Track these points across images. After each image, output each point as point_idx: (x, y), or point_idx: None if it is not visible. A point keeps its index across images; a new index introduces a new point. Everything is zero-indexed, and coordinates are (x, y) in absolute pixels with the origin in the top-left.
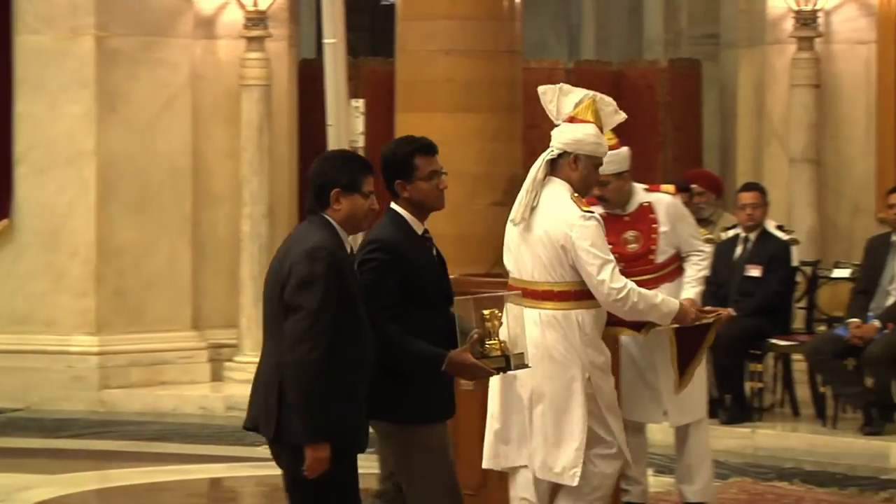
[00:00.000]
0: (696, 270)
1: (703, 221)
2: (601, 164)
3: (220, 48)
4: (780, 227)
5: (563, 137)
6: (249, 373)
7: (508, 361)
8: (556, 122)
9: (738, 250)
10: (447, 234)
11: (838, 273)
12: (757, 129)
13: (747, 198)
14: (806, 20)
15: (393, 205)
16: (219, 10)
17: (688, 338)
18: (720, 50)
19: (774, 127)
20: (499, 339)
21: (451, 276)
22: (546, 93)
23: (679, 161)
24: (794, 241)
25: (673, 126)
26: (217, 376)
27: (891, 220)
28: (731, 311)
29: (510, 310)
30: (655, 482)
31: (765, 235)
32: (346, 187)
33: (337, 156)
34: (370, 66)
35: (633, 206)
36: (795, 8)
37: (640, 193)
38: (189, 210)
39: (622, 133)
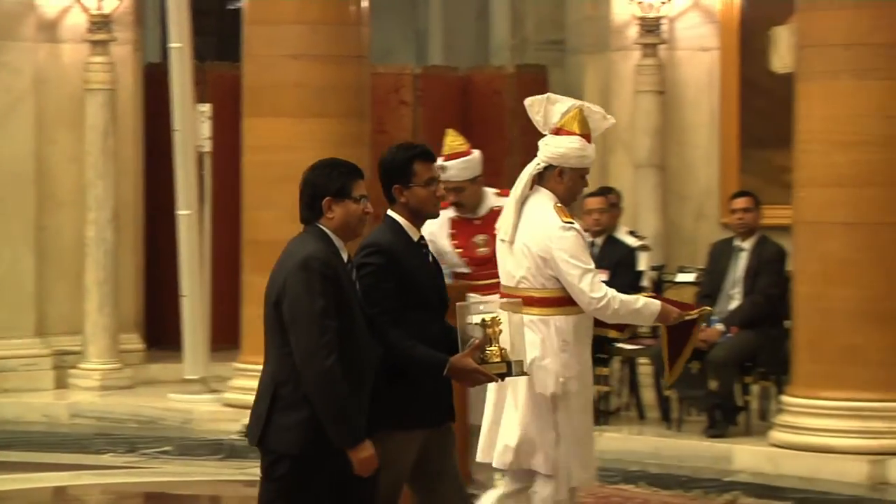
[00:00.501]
0: None
1: None
2: (588, 173)
3: (63, 52)
4: (631, 233)
5: (547, 151)
6: (94, 380)
7: (510, 367)
8: (542, 133)
9: None
10: None
11: (682, 277)
12: (602, 134)
13: (593, 203)
14: (650, 27)
15: (390, 211)
16: (62, 14)
17: (677, 333)
18: (566, 56)
19: (619, 132)
20: (499, 346)
21: None
22: (532, 105)
23: (525, 167)
24: (645, 248)
25: (520, 131)
26: (61, 383)
27: (734, 224)
28: (710, 309)
29: (510, 317)
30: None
31: (612, 241)
32: (337, 194)
33: (324, 164)
34: (217, 71)
35: (483, 210)
36: (640, 15)
37: (492, 198)
38: (33, 215)
39: (470, 138)
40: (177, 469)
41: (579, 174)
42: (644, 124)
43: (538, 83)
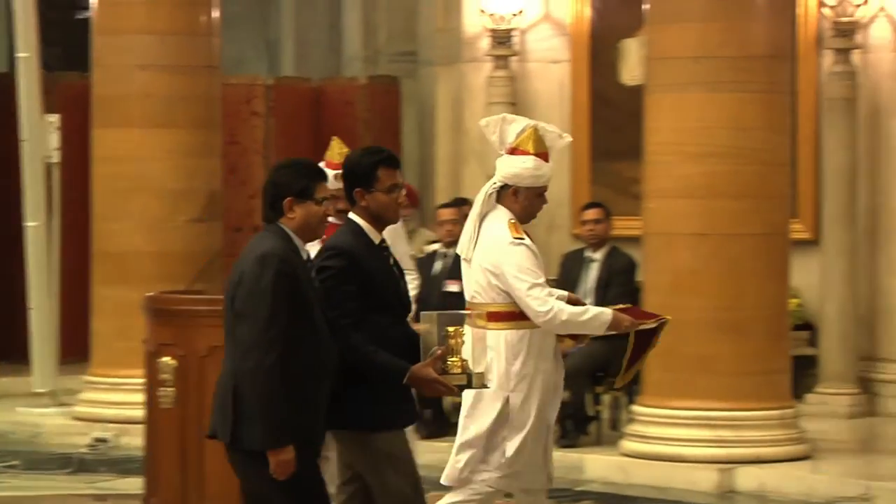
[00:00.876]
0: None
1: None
2: (545, 191)
3: None
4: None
5: (502, 171)
6: None
7: (470, 379)
8: (499, 153)
9: (438, 266)
10: (146, 250)
11: None
12: (455, 145)
13: (447, 214)
14: (502, 39)
15: (351, 214)
16: None
17: (640, 340)
18: (418, 67)
19: (472, 143)
20: (460, 357)
21: (149, 294)
22: (488, 125)
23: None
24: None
25: (373, 142)
26: None
27: (585, 235)
28: (670, 318)
29: (474, 330)
30: None
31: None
32: (299, 195)
33: (289, 164)
34: (66, 81)
35: None
36: (491, 27)
37: None
38: None
39: (322, 149)
40: (25, 483)
41: (535, 192)
42: None
43: (390, 94)
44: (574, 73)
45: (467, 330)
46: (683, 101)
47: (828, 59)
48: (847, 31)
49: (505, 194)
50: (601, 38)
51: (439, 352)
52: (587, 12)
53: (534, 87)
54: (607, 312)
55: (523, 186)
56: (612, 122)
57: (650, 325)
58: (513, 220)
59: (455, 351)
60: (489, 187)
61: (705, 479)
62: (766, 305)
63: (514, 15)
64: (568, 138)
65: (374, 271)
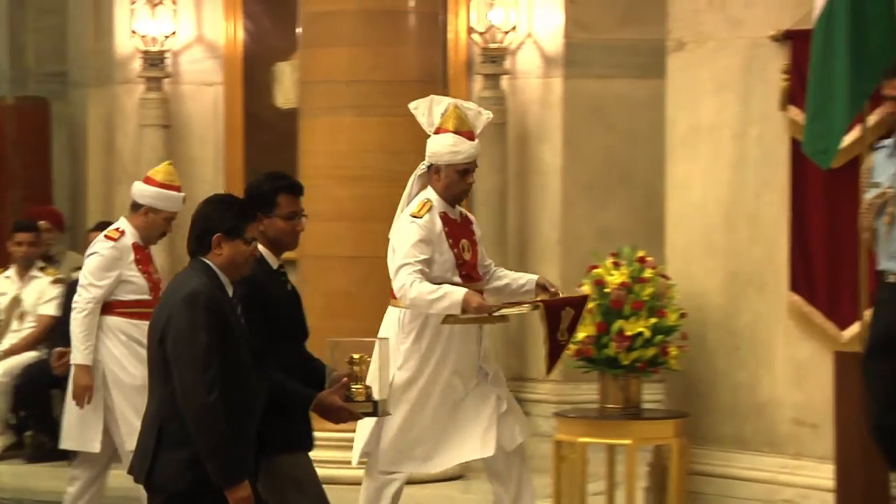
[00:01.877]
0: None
1: (50, 259)
2: (467, 170)
3: None
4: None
5: (427, 151)
6: None
7: (376, 407)
8: (428, 134)
9: None
10: None
11: None
12: (107, 167)
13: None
14: (154, 61)
15: None
16: None
17: (551, 319)
18: (69, 89)
19: (125, 166)
20: (364, 385)
21: None
22: (418, 107)
23: (29, 200)
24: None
25: (21, 164)
26: None
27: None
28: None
29: (380, 356)
30: None
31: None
32: (229, 233)
33: (221, 200)
34: None
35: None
36: (143, 48)
37: None
38: None
39: None
40: None
41: (454, 170)
42: (149, 158)
43: (39, 115)
44: (227, 95)
45: (375, 355)
46: (336, 124)
47: (478, 84)
48: (496, 58)
49: (430, 174)
50: (255, 60)
51: (345, 379)
52: (240, 35)
53: (187, 109)
54: (459, 292)
55: (443, 164)
56: (267, 144)
57: (524, 309)
58: (427, 200)
59: (359, 378)
60: (419, 169)
61: (356, 500)
62: None
63: (167, 37)
64: (487, 114)
65: (273, 297)
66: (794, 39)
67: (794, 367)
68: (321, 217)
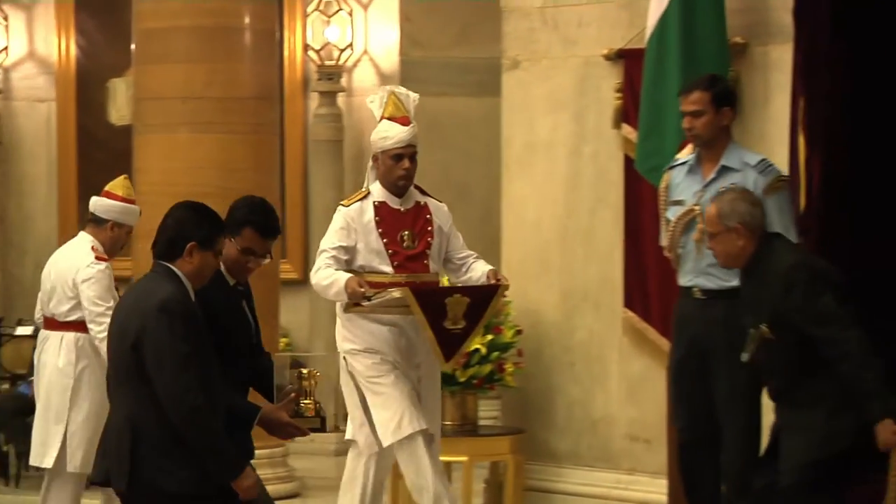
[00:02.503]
0: None
1: None
2: (400, 155)
3: None
4: None
5: None
6: None
7: (324, 423)
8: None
9: None
10: None
11: (21, 331)
12: None
13: None
14: None
15: None
16: None
17: (431, 313)
18: None
19: None
20: (314, 399)
21: None
22: (374, 101)
23: None
24: None
25: None
26: None
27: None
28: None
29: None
30: None
31: None
32: (203, 243)
33: (198, 208)
34: None
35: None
36: None
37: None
38: None
39: None
40: None
41: (388, 156)
42: None
43: None
44: (60, 112)
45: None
46: (172, 141)
47: (314, 101)
48: (332, 75)
49: (376, 164)
50: (88, 77)
51: (293, 394)
52: (73, 51)
53: (20, 125)
54: (342, 280)
55: (378, 152)
56: (101, 161)
57: (394, 293)
58: (364, 189)
59: (310, 393)
60: (370, 162)
61: None
62: None
63: None
64: (415, 95)
65: (226, 314)
66: (627, 58)
67: (628, 383)
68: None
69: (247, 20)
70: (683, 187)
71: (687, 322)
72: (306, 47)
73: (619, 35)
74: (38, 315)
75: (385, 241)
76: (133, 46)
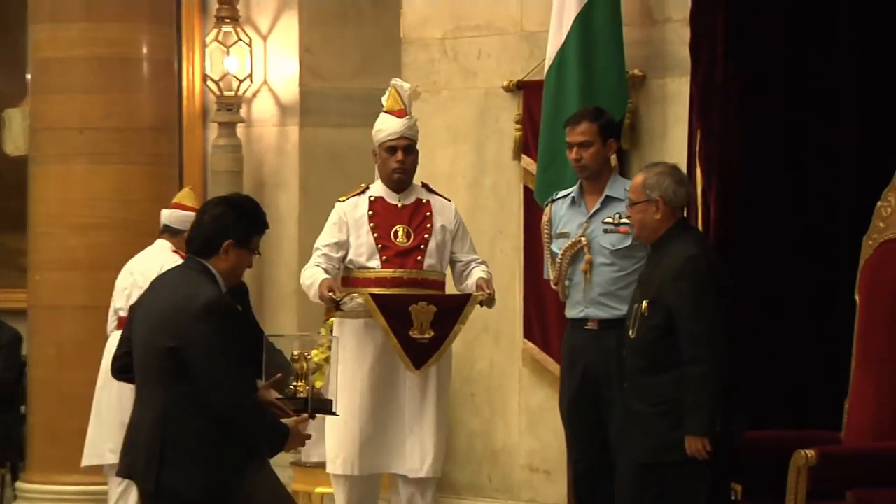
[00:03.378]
0: None
1: None
2: (393, 147)
3: None
4: None
5: None
6: None
7: (306, 404)
8: None
9: None
10: None
11: None
12: None
13: None
14: None
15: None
16: None
17: (395, 321)
18: None
19: None
20: (305, 382)
21: None
22: (384, 97)
23: None
24: None
25: None
26: None
27: None
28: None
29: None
30: None
31: None
32: (240, 241)
33: (239, 204)
34: None
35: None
36: None
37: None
38: None
39: None
40: None
41: (382, 149)
42: None
43: None
44: None
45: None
46: (69, 172)
47: (213, 132)
48: (231, 105)
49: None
50: None
51: (279, 375)
52: None
53: None
54: (317, 282)
55: (376, 146)
56: None
57: (358, 299)
58: (362, 185)
59: (301, 375)
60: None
61: None
62: None
63: None
64: (408, 85)
65: None
66: (526, 90)
67: (528, 413)
68: (52, 266)
69: (144, 50)
70: (567, 220)
71: (579, 353)
72: (205, 78)
73: (518, 67)
74: (111, 322)
75: (375, 235)
76: (29, 76)
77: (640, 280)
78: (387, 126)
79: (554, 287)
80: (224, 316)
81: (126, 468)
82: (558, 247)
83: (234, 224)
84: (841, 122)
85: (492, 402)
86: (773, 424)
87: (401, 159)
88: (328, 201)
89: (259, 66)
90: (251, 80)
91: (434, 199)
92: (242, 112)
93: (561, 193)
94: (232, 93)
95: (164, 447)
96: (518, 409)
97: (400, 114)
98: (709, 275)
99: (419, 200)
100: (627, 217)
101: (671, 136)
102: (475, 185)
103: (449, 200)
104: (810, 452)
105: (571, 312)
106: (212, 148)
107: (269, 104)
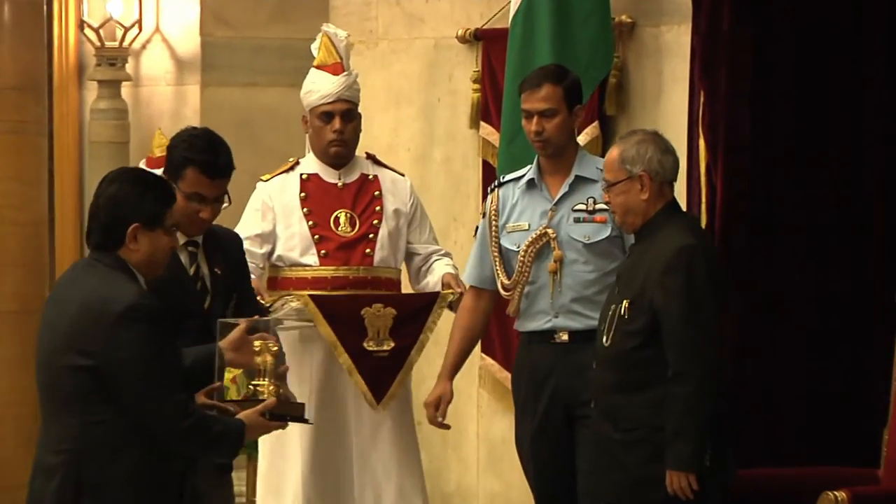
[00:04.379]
0: None
1: None
2: (329, 113)
3: None
4: None
5: None
6: None
7: (299, 411)
8: None
9: None
10: None
11: None
12: None
13: None
14: None
15: None
16: None
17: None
18: None
19: None
20: (272, 381)
21: None
22: (314, 48)
23: None
24: None
25: None
26: None
27: None
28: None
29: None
30: None
31: None
32: (148, 222)
33: (135, 179)
34: None
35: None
36: None
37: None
38: None
39: None
40: None
41: (315, 115)
42: None
43: None
44: None
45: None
46: None
47: (92, 92)
48: (115, 60)
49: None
50: None
51: (216, 384)
52: None
53: None
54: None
55: (307, 111)
56: None
57: (293, 303)
58: (292, 159)
59: (263, 371)
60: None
61: None
62: (18, 402)
63: None
64: (344, 33)
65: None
66: (486, 41)
67: (488, 447)
68: None
69: None
70: (524, 208)
71: (545, 373)
72: (82, 24)
73: (476, 12)
74: None
75: (311, 223)
76: None
77: (620, 274)
78: (319, 86)
79: (505, 295)
80: (151, 321)
81: None
82: (513, 243)
83: (134, 203)
84: (871, 77)
85: (442, 432)
86: (795, 460)
87: (339, 128)
88: (237, 180)
89: (150, 10)
90: (140, 28)
91: (383, 175)
92: (129, 68)
93: (510, 176)
94: (115, 43)
95: (79, 491)
96: (476, 440)
97: (335, 69)
98: (706, 270)
99: (364, 177)
100: (606, 203)
101: (667, 99)
102: (422, 160)
103: (402, 175)
104: (841, 494)
105: (532, 324)
106: (90, 113)
107: (163, 57)
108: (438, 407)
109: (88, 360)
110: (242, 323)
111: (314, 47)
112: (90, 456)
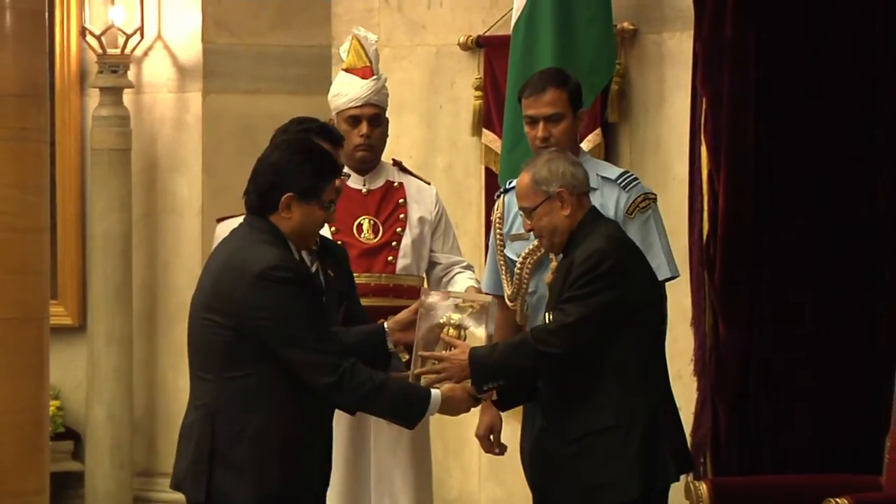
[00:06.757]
0: None
1: None
2: (356, 117)
3: None
4: None
5: None
6: None
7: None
8: None
9: None
10: None
11: None
12: None
13: None
14: None
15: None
16: None
17: None
18: None
19: None
20: None
21: None
22: (343, 50)
23: None
24: None
25: None
26: None
27: None
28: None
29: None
30: None
31: None
32: (304, 194)
33: (300, 148)
34: None
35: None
36: None
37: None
38: None
39: None
40: None
41: (342, 119)
42: None
43: None
44: None
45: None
46: None
47: (93, 99)
48: (117, 67)
49: None
50: None
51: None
52: None
53: None
54: None
55: (334, 115)
56: None
57: None
58: None
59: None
60: None
61: None
62: (19, 409)
63: None
64: (374, 36)
65: None
66: (489, 48)
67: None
68: None
69: None
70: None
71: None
72: (83, 31)
73: (478, 19)
74: None
75: (333, 229)
76: None
77: (550, 288)
78: (348, 89)
79: (510, 305)
80: (289, 282)
81: (176, 478)
82: (514, 252)
83: (293, 173)
84: (880, 82)
85: (445, 438)
86: (796, 466)
87: (366, 132)
88: (238, 187)
89: (152, 16)
90: (142, 35)
91: (409, 182)
92: (130, 75)
93: (514, 182)
94: (117, 50)
95: (213, 449)
96: (478, 448)
97: (364, 73)
98: (610, 272)
99: (389, 184)
100: (528, 231)
101: (670, 106)
102: (424, 168)
103: (428, 184)
104: (843, 501)
105: None
106: (91, 120)
107: (164, 64)
108: (490, 437)
109: (225, 318)
110: (413, 305)
111: (343, 50)
112: (224, 412)
